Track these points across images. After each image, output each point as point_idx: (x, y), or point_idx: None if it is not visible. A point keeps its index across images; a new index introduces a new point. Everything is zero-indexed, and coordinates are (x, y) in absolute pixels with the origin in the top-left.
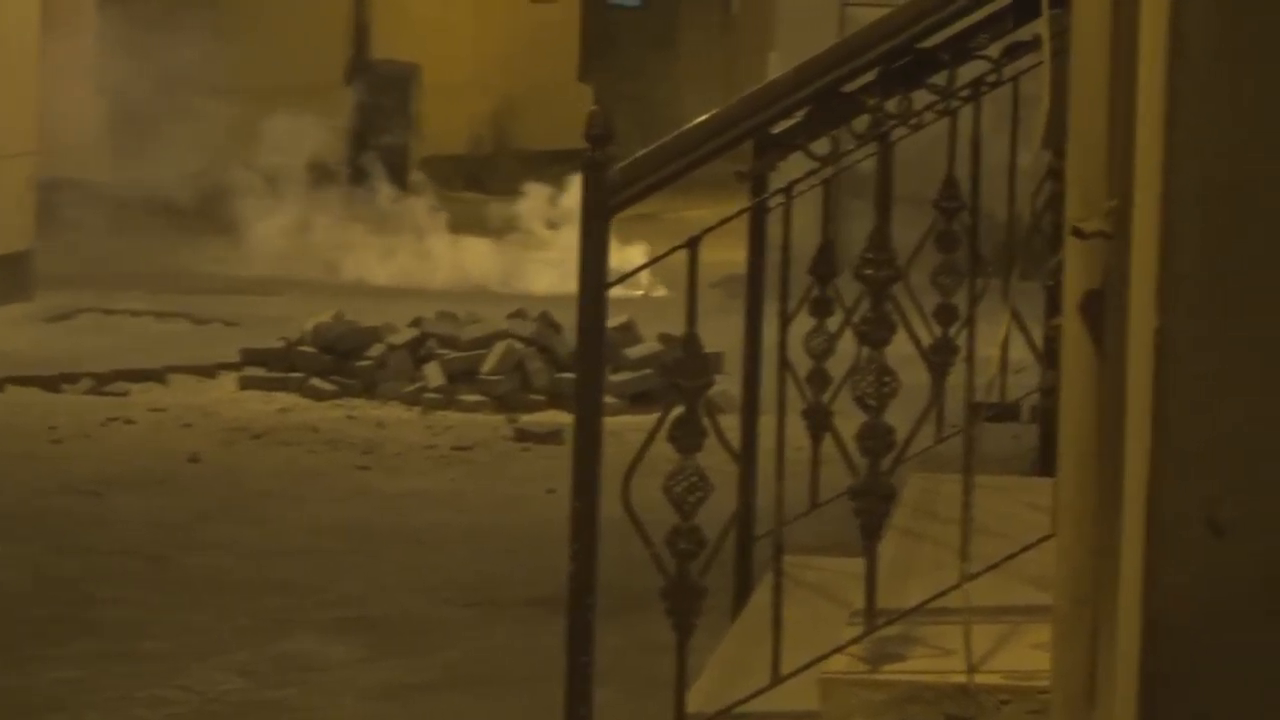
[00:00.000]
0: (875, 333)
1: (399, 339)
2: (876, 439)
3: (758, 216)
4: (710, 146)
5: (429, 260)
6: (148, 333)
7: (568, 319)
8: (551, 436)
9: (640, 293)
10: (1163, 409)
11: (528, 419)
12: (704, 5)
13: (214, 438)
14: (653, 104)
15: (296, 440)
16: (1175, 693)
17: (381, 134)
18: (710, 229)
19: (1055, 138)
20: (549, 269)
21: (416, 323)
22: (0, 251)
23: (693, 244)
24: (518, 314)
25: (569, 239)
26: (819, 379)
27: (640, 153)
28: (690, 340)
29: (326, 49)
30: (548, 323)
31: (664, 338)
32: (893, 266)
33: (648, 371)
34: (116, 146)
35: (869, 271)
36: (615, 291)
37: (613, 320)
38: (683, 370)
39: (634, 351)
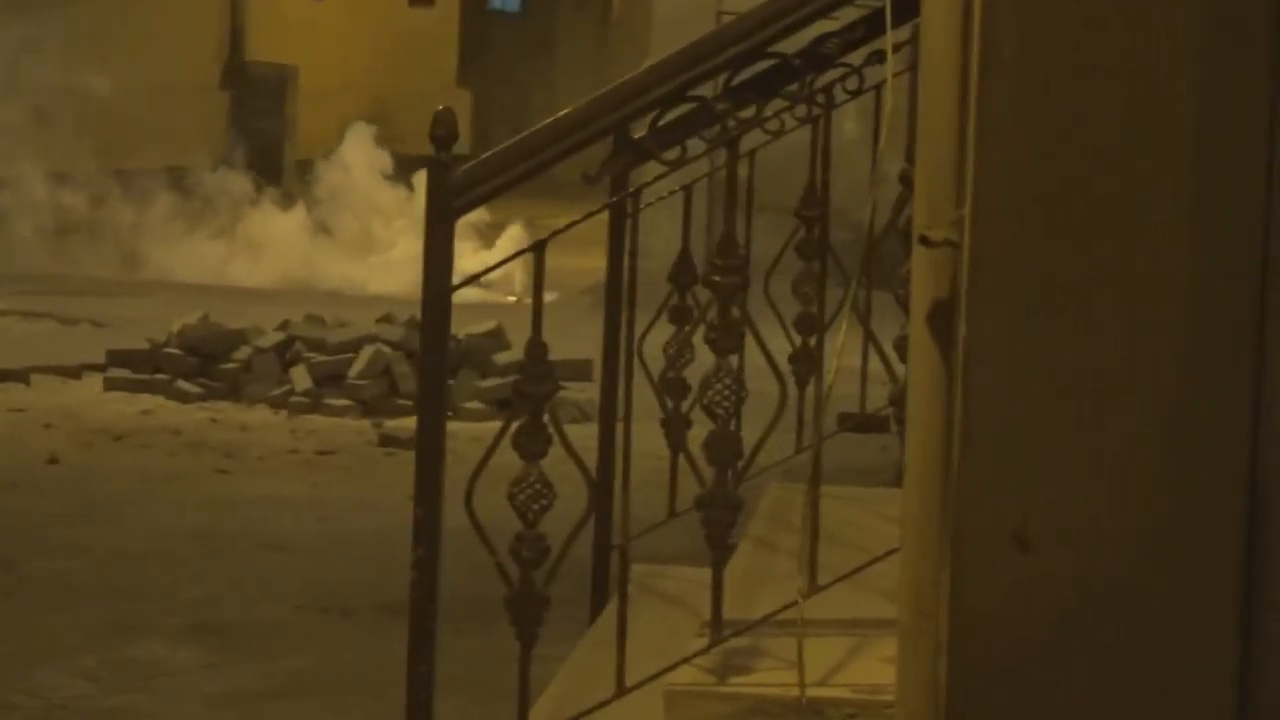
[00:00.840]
0: (724, 340)
1: (266, 342)
2: (723, 448)
3: (617, 222)
4: (559, 147)
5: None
6: (12, 332)
7: None
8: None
9: (512, 299)
10: (970, 421)
11: (393, 424)
12: (583, 12)
13: (74, 439)
14: (530, 110)
15: (157, 443)
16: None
17: (256, 137)
18: (558, 232)
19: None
20: (396, 270)
21: (284, 326)
22: None
23: (539, 247)
24: (385, 318)
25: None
26: (677, 387)
27: (486, 154)
28: (534, 346)
29: (200, 51)
30: (416, 327)
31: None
32: (741, 273)
33: (515, 378)
34: None
35: (717, 278)
36: (485, 296)
37: (482, 326)
38: (527, 376)
39: (502, 358)
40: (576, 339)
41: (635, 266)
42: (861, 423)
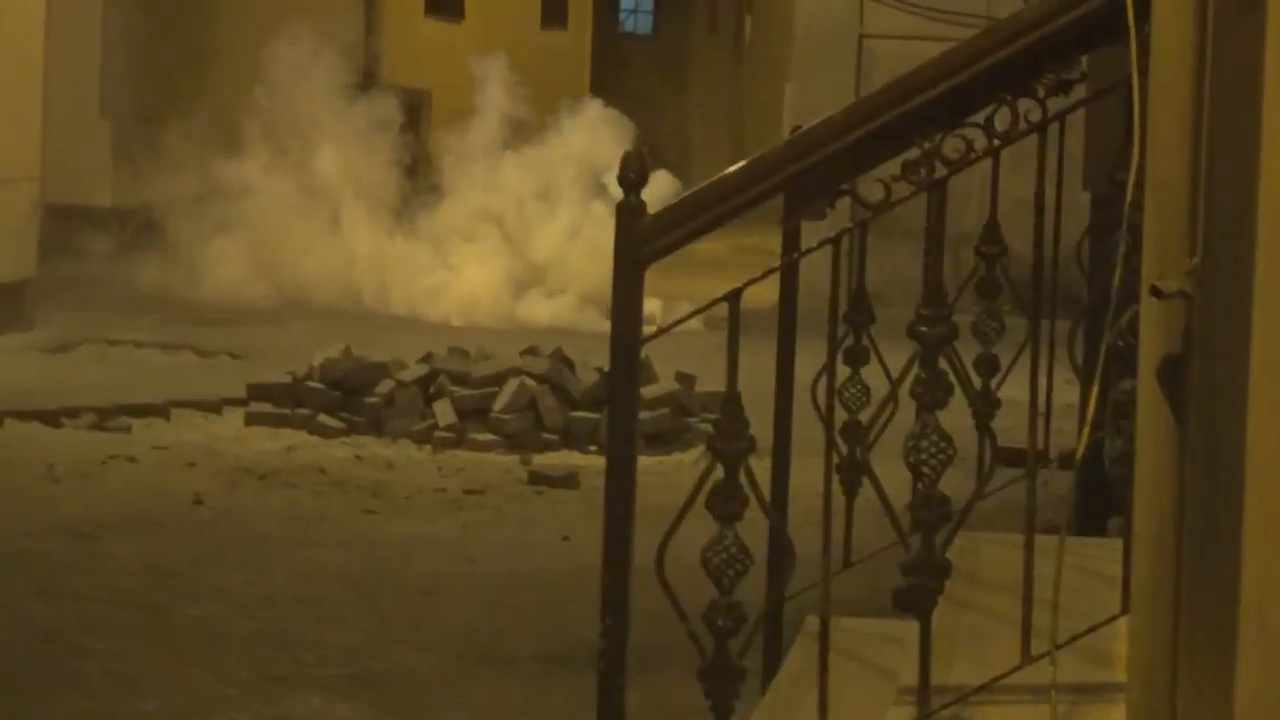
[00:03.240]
0: (931, 395)
1: (408, 375)
2: (931, 510)
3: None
4: (750, 193)
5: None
6: (152, 365)
7: (579, 355)
8: (566, 480)
9: (651, 328)
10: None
11: (541, 460)
12: (716, 34)
13: (218, 478)
14: (661, 132)
15: (303, 482)
16: None
17: (394, 159)
18: (754, 280)
19: (1094, 178)
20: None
21: (427, 358)
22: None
23: (734, 297)
24: (530, 350)
25: (575, 269)
26: (855, 431)
27: (675, 200)
28: (730, 401)
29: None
30: (561, 360)
31: (680, 376)
32: (948, 323)
33: (663, 411)
34: (120, 171)
35: (924, 329)
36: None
37: None
38: (723, 434)
39: (648, 390)
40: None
41: (835, 315)
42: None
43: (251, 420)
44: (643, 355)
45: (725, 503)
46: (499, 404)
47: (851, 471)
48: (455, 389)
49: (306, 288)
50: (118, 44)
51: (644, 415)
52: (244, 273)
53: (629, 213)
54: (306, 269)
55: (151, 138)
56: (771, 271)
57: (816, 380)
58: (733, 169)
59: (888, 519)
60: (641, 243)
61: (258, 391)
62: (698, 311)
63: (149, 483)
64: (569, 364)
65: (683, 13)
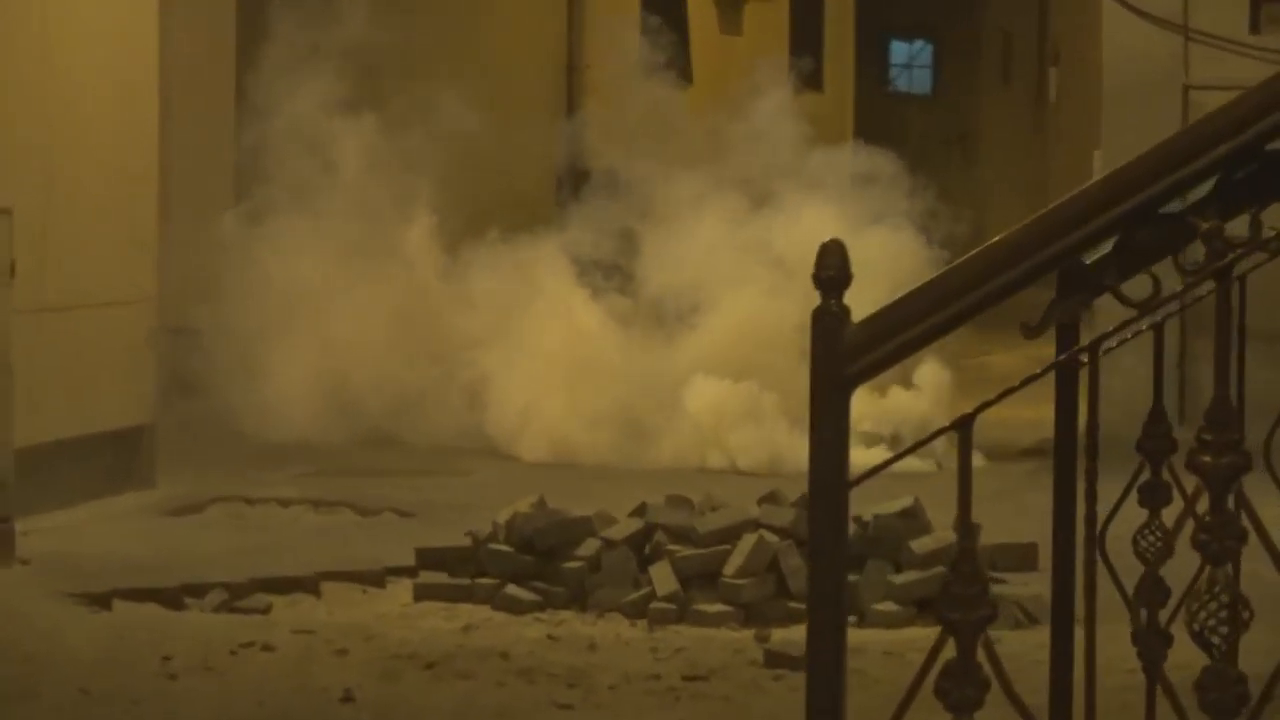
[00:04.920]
0: (1218, 542)
1: (618, 532)
2: (1222, 691)
3: (1067, 374)
4: (987, 289)
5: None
6: (301, 527)
7: None
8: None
9: (933, 464)
10: None
11: (781, 635)
12: (1011, 91)
13: (374, 668)
14: (945, 209)
15: (481, 671)
16: None
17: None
18: (987, 405)
19: None
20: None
21: (640, 510)
22: (112, 426)
23: (965, 424)
24: (770, 497)
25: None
26: (1152, 588)
27: (890, 302)
28: (964, 555)
29: (535, 163)
30: (808, 509)
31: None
32: (1240, 451)
33: (939, 570)
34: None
35: (1207, 459)
36: (899, 464)
37: (894, 504)
38: (952, 597)
39: (921, 545)
40: (1018, 516)
41: (1096, 440)
42: None
43: (422, 594)
44: (914, 501)
45: (960, 685)
46: (732, 566)
47: (1151, 641)
48: (676, 548)
49: (493, 422)
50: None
51: (915, 576)
52: (411, 406)
53: (829, 321)
54: (496, 398)
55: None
56: (1021, 385)
57: (1104, 526)
58: (959, 262)
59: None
60: (847, 358)
61: (430, 558)
62: (921, 443)
63: (288, 676)
64: None
65: (968, 66)
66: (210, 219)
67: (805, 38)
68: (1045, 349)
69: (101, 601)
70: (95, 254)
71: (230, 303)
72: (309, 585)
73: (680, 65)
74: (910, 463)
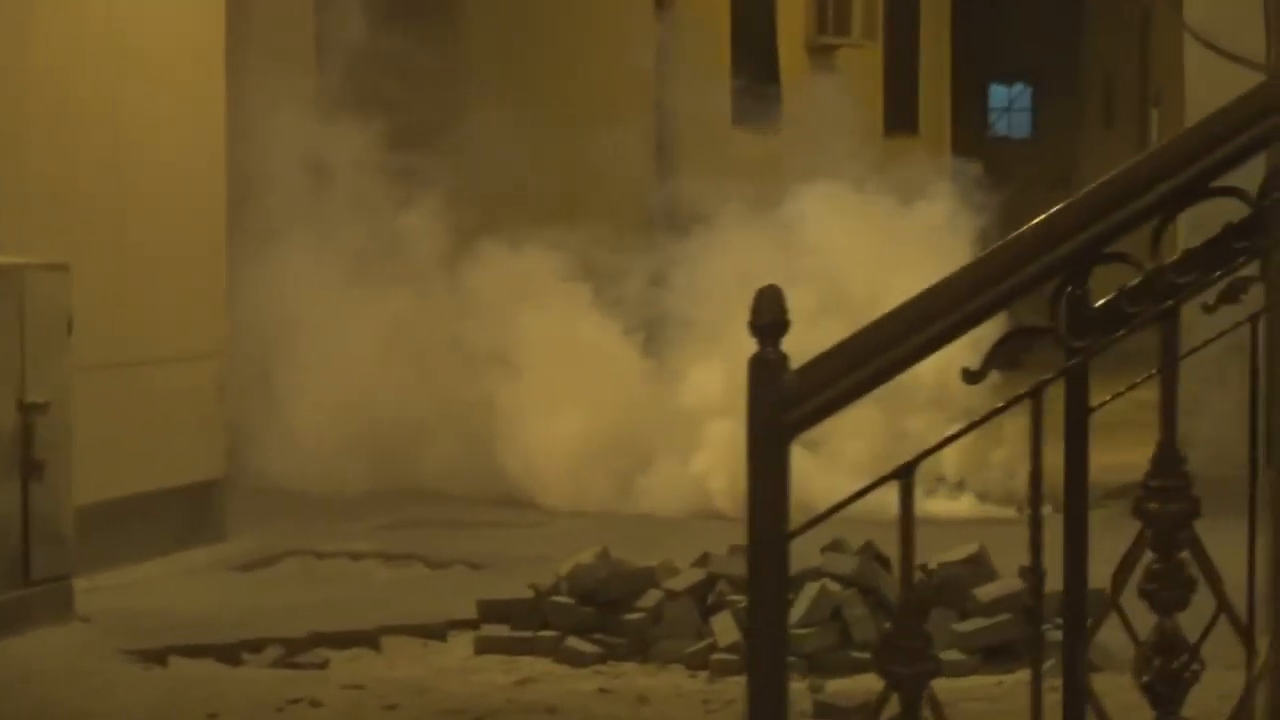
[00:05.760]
0: (1164, 591)
1: (680, 583)
2: None
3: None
4: (928, 334)
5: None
6: (370, 581)
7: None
8: (861, 713)
9: (1012, 510)
10: None
11: (838, 686)
12: (1113, 133)
13: None
14: None
15: None
16: None
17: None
18: (927, 453)
19: None
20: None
21: (702, 560)
22: (182, 481)
23: (906, 472)
24: (833, 545)
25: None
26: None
27: (827, 349)
28: (906, 608)
29: (631, 197)
30: (873, 557)
31: (1026, 572)
32: (1188, 497)
33: (1004, 617)
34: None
35: (1153, 505)
36: (961, 509)
37: (960, 551)
38: (894, 649)
39: (987, 592)
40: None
41: (1039, 488)
42: None
43: (483, 647)
44: (979, 547)
45: None
46: (795, 614)
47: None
48: (738, 598)
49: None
50: None
51: (980, 624)
52: (493, 457)
53: (767, 368)
54: (566, 449)
55: None
56: (959, 434)
57: (1118, 573)
58: (912, 298)
59: None
60: (786, 406)
61: (492, 610)
62: (864, 491)
63: None
64: (883, 561)
65: (1069, 108)
66: (284, 271)
67: (900, 82)
68: (1144, 393)
69: (157, 658)
70: (166, 308)
71: (305, 349)
72: (369, 639)
73: (770, 110)
74: (988, 509)
